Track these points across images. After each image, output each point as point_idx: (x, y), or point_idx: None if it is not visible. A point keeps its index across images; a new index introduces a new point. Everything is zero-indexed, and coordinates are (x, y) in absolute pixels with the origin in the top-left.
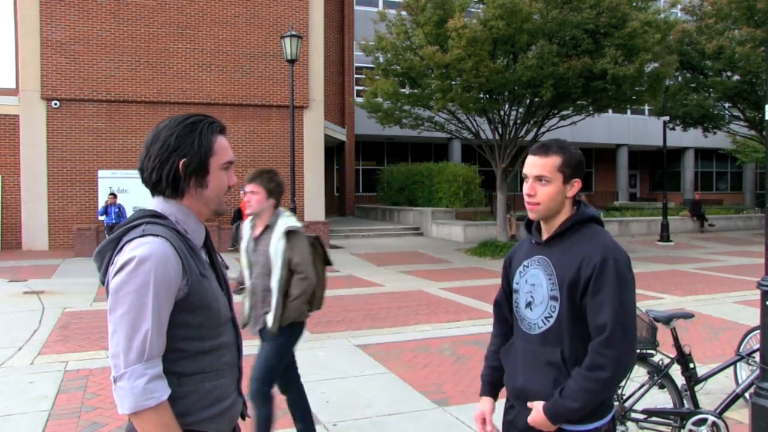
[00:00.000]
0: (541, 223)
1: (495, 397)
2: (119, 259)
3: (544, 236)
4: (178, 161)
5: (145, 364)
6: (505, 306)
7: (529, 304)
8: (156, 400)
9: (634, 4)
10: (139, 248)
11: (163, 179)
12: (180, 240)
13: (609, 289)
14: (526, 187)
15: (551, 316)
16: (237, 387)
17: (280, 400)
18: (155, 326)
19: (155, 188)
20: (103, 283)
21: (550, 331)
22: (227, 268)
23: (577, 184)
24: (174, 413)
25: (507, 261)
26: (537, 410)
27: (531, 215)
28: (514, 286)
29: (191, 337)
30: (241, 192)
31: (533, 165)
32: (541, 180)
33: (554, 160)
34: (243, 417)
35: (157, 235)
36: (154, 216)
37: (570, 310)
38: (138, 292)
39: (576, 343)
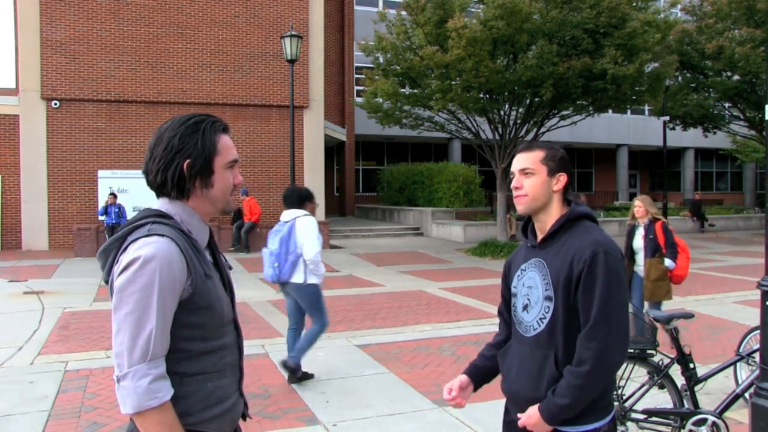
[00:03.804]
0: (535, 225)
1: (474, 379)
2: (124, 259)
3: (539, 238)
4: (182, 162)
5: (148, 364)
6: (505, 314)
7: (525, 307)
8: (159, 400)
9: (634, 4)
10: (145, 248)
11: (168, 181)
12: (185, 240)
13: (598, 282)
14: (513, 182)
15: (545, 318)
16: (238, 387)
17: (280, 400)
18: (159, 326)
19: (160, 190)
20: (106, 281)
21: (545, 332)
22: (230, 268)
23: (563, 179)
24: (176, 413)
25: (506, 267)
26: (533, 411)
27: (519, 208)
28: (513, 290)
29: (194, 337)
30: (240, 193)
31: (518, 161)
32: (526, 172)
33: (538, 154)
34: (244, 417)
35: (163, 235)
36: (160, 215)
37: (565, 309)
38: (143, 291)
39: (571, 344)
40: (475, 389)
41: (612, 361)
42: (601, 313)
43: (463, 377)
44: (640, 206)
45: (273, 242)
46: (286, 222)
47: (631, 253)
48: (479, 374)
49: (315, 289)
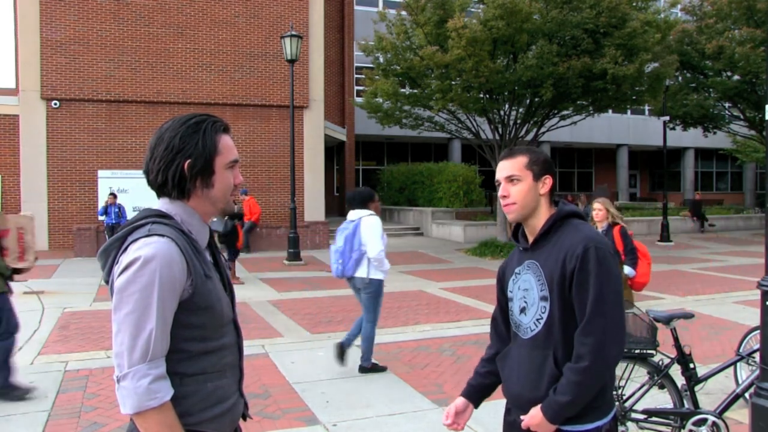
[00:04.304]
0: (525, 228)
1: (472, 399)
2: (124, 259)
3: (530, 241)
4: (183, 162)
5: (148, 364)
6: (500, 321)
7: (523, 310)
8: (159, 401)
9: (634, 4)
10: (145, 248)
11: (169, 181)
12: (185, 240)
13: (591, 277)
14: (500, 190)
15: (542, 318)
16: (238, 388)
17: (280, 400)
18: (159, 326)
19: (161, 190)
20: (107, 282)
21: (542, 332)
22: (230, 268)
23: (548, 181)
24: (176, 413)
25: (500, 273)
26: (535, 411)
27: (510, 217)
28: (509, 294)
29: (194, 337)
30: (240, 193)
31: (502, 168)
32: (512, 180)
33: (521, 160)
34: (244, 417)
35: (163, 235)
36: (160, 216)
37: (561, 308)
38: (143, 291)
39: (569, 343)
40: (476, 406)
41: (609, 354)
42: (595, 308)
43: (460, 400)
44: (600, 209)
45: (339, 240)
46: (352, 221)
47: None
48: (477, 392)
49: (378, 283)
